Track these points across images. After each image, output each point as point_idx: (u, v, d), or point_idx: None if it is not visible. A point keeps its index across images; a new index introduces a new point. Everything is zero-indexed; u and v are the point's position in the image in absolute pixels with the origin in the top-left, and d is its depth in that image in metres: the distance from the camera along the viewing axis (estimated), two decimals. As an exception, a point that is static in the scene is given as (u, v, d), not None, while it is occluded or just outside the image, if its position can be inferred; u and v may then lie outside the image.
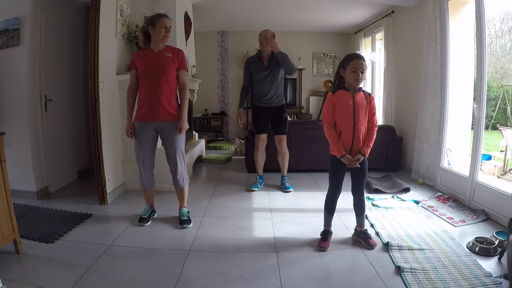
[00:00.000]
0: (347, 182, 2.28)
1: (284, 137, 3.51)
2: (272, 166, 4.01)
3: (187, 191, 2.70)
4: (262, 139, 3.51)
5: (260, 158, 3.59)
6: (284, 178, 3.62)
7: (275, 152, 3.61)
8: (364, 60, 2.10)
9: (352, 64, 2.08)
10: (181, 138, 2.57)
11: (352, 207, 2.35)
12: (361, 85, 2.17)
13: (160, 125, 2.52)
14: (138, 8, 3.78)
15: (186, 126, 2.53)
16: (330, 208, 2.32)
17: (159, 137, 2.61)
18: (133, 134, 2.55)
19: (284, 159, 3.58)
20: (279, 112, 3.47)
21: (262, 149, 3.54)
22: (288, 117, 3.66)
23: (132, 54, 2.62)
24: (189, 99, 4.60)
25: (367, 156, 2.17)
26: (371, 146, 2.17)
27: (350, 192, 2.31)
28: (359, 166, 2.15)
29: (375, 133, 2.19)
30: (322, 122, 2.23)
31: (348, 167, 2.20)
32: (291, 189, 3.51)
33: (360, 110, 2.11)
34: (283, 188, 3.54)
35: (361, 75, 2.07)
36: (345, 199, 2.48)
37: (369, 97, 2.17)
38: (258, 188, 3.54)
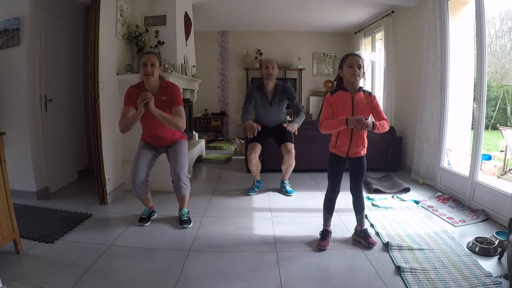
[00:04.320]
0: (346, 182, 2.28)
1: (293, 146, 3.27)
2: (272, 166, 4.02)
3: (188, 197, 2.70)
4: (255, 151, 3.28)
5: (255, 169, 3.42)
6: (284, 182, 3.51)
7: (276, 153, 3.59)
8: (359, 57, 2.11)
9: (347, 61, 2.10)
10: (185, 150, 2.60)
11: (352, 206, 2.35)
12: (361, 85, 2.16)
13: (165, 148, 2.63)
14: (138, 8, 3.78)
15: (151, 106, 2.27)
16: (329, 207, 2.32)
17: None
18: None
19: (289, 168, 3.41)
20: (280, 126, 3.33)
21: (255, 160, 3.33)
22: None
23: (127, 90, 2.48)
24: (189, 99, 4.61)
25: (375, 127, 2.03)
26: (380, 128, 2.05)
27: (349, 192, 2.31)
28: (367, 124, 1.99)
29: (387, 123, 2.10)
30: (319, 127, 2.16)
31: (346, 166, 2.20)
32: (293, 193, 3.42)
33: (359, 111, 2.09)
34: (284, 192, 3.44)
35: (357, 70, 2.06)
36: (345, 199, 2.48)
37: (369, 97, 2.14)
38: (255, 192, 3.45)
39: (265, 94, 3.32)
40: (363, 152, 2.20)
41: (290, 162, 3.34)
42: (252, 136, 3.09)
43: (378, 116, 2.14)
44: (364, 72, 2.14)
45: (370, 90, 2.25)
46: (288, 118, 3.65)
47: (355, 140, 2.14)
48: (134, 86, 2.49)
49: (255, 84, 3.44)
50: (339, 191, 2.28)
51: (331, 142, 2.25)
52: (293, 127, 3.14)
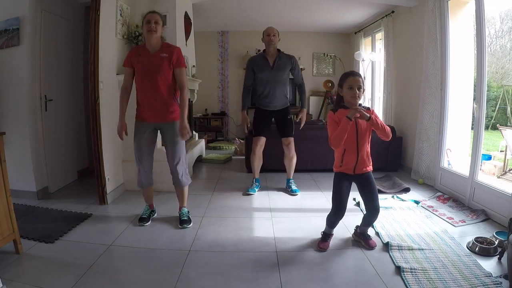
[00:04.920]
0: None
1: (292, 139, 3.37)
2: (272, 166, 4.02)
3: (187, 191, 2.70)
4: (260, 143, 3.36)
5: (257, 163, 3.46)
6: (290, 181, 3.52)
7: (276, 153, 3.59)
8: (360, 77, 2.07)
9: (347, 81, 2.06)
10: (182, 142, 2.57)
11: (352, 207, 2.35)
12: (360, 102, 2.13)
13: (160, 125, 2.53)
14: (138, 8, 3.78)
15: (186, 128, 2.43)
16: (331, 224, 2.28)
17: (158, 135, 2.61)
18: (126, 134, 2.53)
19: (292, 163, 3.45)
20: (284, 114, 3.37)
21: (259, 154, 3.41)
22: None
23: (128, 51, 2.59)
24: (189, 99, 4.61)
25: (370, 118, 2.00)
26: (379, 124, 2.03)
27: (355, 183, 2.24)
28: (362, 112, 1.97)
29: (387, 126, 2.08)
30: (329, 145, 2.11)
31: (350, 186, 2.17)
32: (298, 192, 3.42)
33: (361, 127, 2.07)
34: (290, 191, 3.44)
35: (358, 91, 2.03)
36: (349, 193, 2.45)
37: (368, 111, 2.10)
38: (255, 191, 3.44)
39: (266, 59, 3.31)
40: (370, 168, 2.16)
41: (291, 155, 3.41)
42: (249, 129, 3.14)
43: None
44: (364, 90, 2.09)
45: (368, 106, 2.21)
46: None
47: (361, 155, 2.11)
48: (136, 47, 2.54)
49: (254, 56, 3.47)
50: (343, 216, 2.19)
51: (335, 162, 2.20)
52: (303, 117, 3.42)
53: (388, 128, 2.07)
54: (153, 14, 2.44)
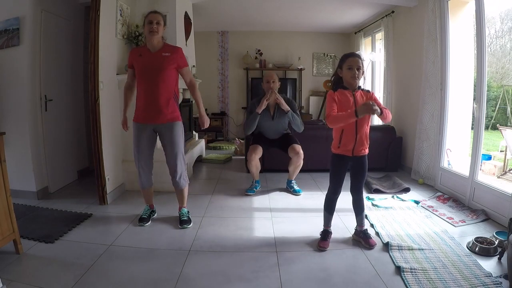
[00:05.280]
0: (346, 181, 2.28)
1: (300, 147, 3.31)
2: (272, 166, 4.02)
3: (187, 192, 2.69)
4: (255, 153, 3.31)
5: (254, 169, 3.42)
6: (291, 182, 3.51)
7: (276, 153, 3.59)
8: (359, 58, 2.09)
9: (347, 62, 2.08)
10: (181, 139, 2.56)
11: (351, 207, 2.35)
12: (360, 84, 2.15)
13: (159, 127, 2.50)
14: (138, 8, 3.78)
15: (206, 121, 2.61)
16: (329, 207, 2.32)
17: (157, 138, 2.60)
18: (127, 127, 2.62)
19: (296, 169, 3.41)
20: (282, 135, 3.47)
21: (254, 161, 3.35)
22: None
23: (129, 52, 2.60)
24: (189, 99, 4.61)
25: (383, 113, 1.97)
26: (385, 112, 2.00)
27: (349, 192, 2.31)
28: (375, 109, 1.92)
29: (389, 113, 2.07)
30: (325, 120, 2.16)
31: (348, 166, 2.20)
32: (301, 193, 3.42)
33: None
34: (292, 192, 3.44)
35: (357, 72, 2.05)
36: (345, 199, 2.47)
37: (368, 94, 2.15)
38: (254, 192, 3.43)
39: (266, 108, 3.31)
40: (367, 150, 2.20)
41: (299, 164, 3.36)
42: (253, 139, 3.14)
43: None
44: (363, 72, 2.12)
45: (368, 89, 2.23)
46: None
47: (360, 137, 2.12)
48: (136, 51, 2.53)
49: (256, 98, 3.44)
50: (340, 192, 2.27)
51: (333, 142, 2.22)
52: (280, 99, 3.23)
53: (389, 115, 2.05)
54: (155, 14, 2.44)
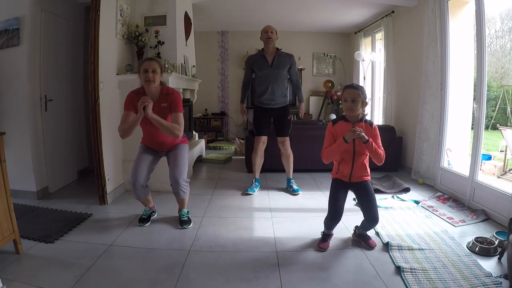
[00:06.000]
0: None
1: (287, 139, 3.43)
2: (272, 166, 4.01)
3: (187, 200, 2.69)
4: (262, 141, 3.42)
5: (258, 161, 3.49)
6: (290, 180, 3.52)
7: (276, 153, 3.58)
8: (357, 89, 2.04)
9: (343, 94, 2.08)
10: (185, 158, 2.56)
11: (352, 207, 2.35)
12: (365, 115, 2.12)
13: (166, 152, 2.63)
14: (138, 8, 3.79)
15: (149, 110, 2.24)
16: (328, 227, 2.30)
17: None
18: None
19: (289, 161, 3.49)
20: (283, 114, 3.40)
21: (261, 152, 3.45)
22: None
23: (127, 95, 2.42)
24: (189, 99, 4.61)
25: (368, 143, 1.99)
26: (373, 148, 2.02)
27: (352, 192, 2.29)
28: (360, 134, 1.97)
29: (383, 152, 2.06)
30: (321, 157, 2.16)
31: (347, 194, 2.18)
32: (300, 192, 3.42)
33: (359, 141, 2.04)
34: (291, 191, 3.43)
35: (351, 104, 2.03)
36: (346, 199, 2.47)
37: (370, 128, 2.09)
38: (254, 191, 3.44)
39: (265, 57, 3.32)
40: (368, 177, 2.18)
41: (288, 153, 3.46)
42: (250, 129, 3.19)
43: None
44: (363, 102, 2.05)
45: (372, 121, 2.19)
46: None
47: (356, 166, 2.12)
48: (135, 92, 2.44)
49: (256, 54, 3.49)
50: (339, 221, 2.20)
51: (333, 169, 2.24)
52: (302, 108, 3.68)
53: (382, 154, 2.05)
54: (150, 62, 2.35)
